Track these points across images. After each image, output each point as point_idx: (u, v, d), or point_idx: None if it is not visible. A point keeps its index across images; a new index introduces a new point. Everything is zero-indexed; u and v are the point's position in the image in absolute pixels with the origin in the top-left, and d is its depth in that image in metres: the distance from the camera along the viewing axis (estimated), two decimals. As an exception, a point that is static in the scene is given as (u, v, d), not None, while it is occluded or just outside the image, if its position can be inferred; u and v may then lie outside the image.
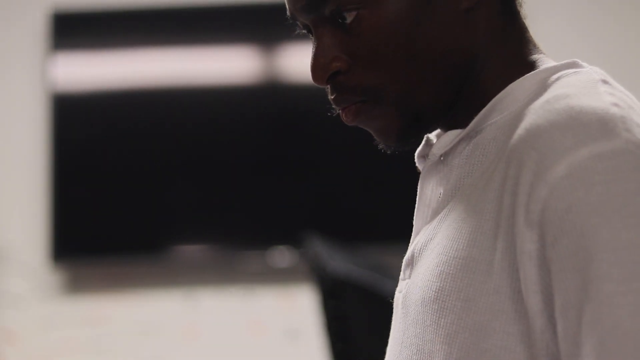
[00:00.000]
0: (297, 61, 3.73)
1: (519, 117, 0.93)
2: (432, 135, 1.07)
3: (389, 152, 1.04)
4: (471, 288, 0.90)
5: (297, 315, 3.68)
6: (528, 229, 0.86)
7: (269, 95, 3.78)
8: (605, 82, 0.94)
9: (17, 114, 3.81)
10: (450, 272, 0.92)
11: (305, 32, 1.04)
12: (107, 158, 3.74)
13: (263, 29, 3.78)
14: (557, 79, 0.95)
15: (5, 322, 3.74)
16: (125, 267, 3.74)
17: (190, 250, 3.76)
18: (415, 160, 1.07)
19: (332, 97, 1.01)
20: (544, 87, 0.95)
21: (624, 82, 0.99)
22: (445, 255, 0.94)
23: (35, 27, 3.82)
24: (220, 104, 3.77)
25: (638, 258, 0.82)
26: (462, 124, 1.00)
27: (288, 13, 1.02)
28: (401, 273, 1.04)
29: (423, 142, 1.06)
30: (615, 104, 0.89)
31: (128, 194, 3.72)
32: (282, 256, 3.65)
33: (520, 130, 0.90)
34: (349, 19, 0.97)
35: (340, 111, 1.01)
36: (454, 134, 0.99)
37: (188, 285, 3.74)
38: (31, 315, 3.73)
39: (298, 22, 1.03)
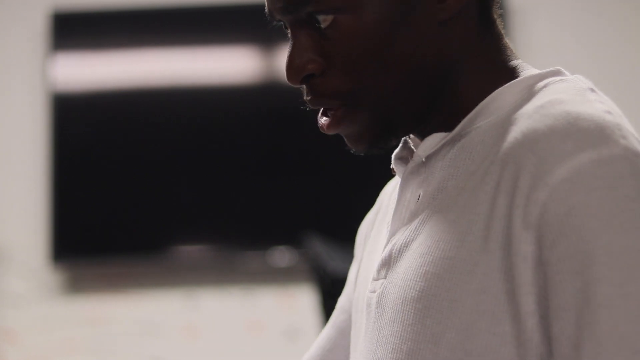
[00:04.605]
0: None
1: (508, 121, 0.94)
2: (410, 138, 1.07)
3: (362, 154, 1.05)
4: (458, 288, 0.91)
5: (297, 315, 3.68)
6: (525, 230, 0.87)
7: (269, 95, 3.78)
8: (592, 90, 0.95)
9: (17, 114, 3.82)
10: (437, 272, 0.93)
11: (283, 28, 1.04)
12: (107, 158, 3.74)
13: (263, 29, 3.76)
14: (544, 86, 0.97)
15: (5, 322, 3.74)
16: (125, 267, 3.74)
17: (190, 250, 3.76)
18: (392, 162, 1.07)
19: (308, 98, 1.01)
20: (531, 93, 0.96)
21: (620, 83, 0.99)
22: (431, 256, 0.94)
23: (35, 27, 3.82)
24: (220, 103, 3.77)
25: (635, 262, 0.83)
26: (441, 129, 1.00)
27: (267, 11, 1.02)
28: (374, 273, 1.04)
29: (401, 144, 1.06)
30: (608, 112, 0.91)
31: (128, 194, 3.72)
32: (282, 256, 3.65)
33: (516, 134, 0.91)
34: (325, 24, 0.97)
35: (321, 121, 1.01)
36: (439, 137, 1.00)
37: (188, 285, 3.74)
38: (31, 315, 3.73)
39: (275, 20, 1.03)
